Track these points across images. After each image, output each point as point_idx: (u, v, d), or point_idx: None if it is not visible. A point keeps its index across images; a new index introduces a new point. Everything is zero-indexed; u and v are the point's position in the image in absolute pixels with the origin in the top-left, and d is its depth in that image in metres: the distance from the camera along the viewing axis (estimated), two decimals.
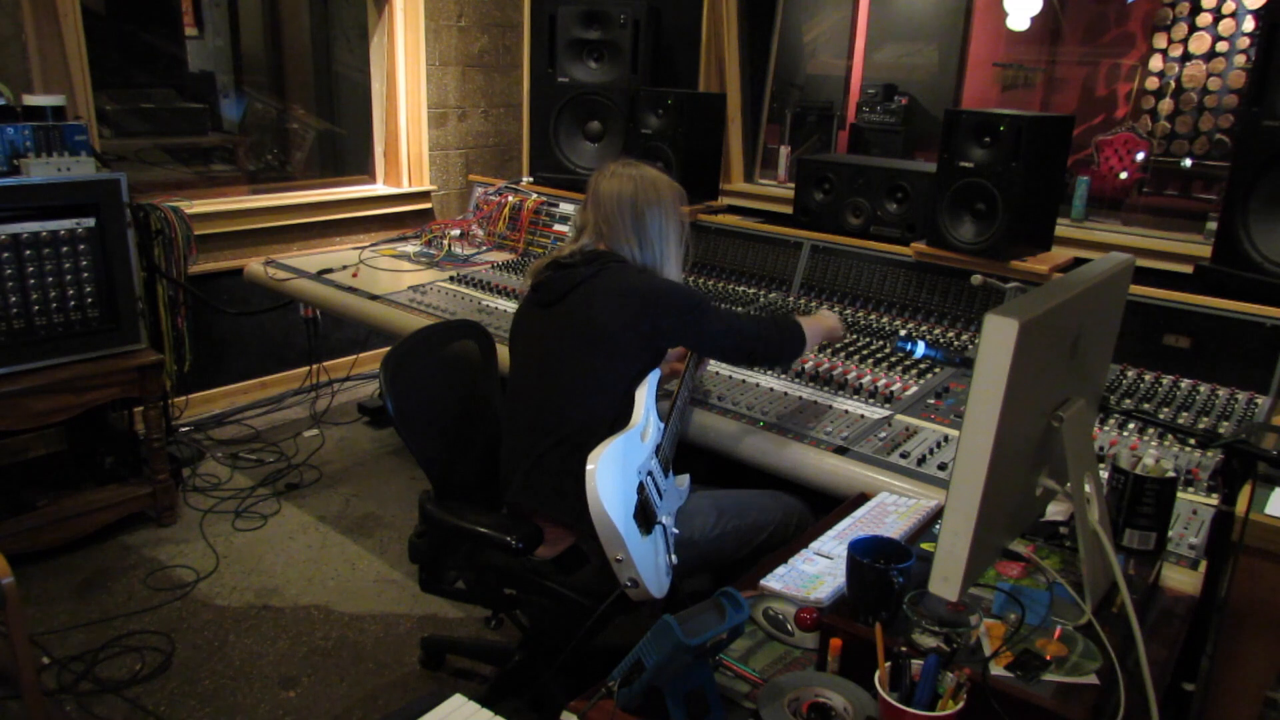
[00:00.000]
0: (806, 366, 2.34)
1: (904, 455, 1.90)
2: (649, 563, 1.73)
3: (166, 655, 2.45)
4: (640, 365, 1.89)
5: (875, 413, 2.11)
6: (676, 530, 1.85)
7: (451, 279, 3.18)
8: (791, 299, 2.93)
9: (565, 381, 1.92)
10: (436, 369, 2.08)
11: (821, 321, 2.26)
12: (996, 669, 1.16)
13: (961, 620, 1.19)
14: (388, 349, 1.98)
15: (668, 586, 1.77)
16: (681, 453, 2.03)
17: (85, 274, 2.78)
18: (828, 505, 1.78)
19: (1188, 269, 2.70)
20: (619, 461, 1.72)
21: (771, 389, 2.25)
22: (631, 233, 1.97)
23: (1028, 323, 1.01)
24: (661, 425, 1.92)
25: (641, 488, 1.75)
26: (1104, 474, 1.58)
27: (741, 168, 4.01)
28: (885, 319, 2.75)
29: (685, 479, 2.02)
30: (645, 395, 1.85)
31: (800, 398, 2.20)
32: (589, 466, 1.63)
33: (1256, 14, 3.43)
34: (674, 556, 1.81)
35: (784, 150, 4.08)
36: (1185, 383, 2.26)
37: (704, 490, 2.05)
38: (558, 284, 1.94)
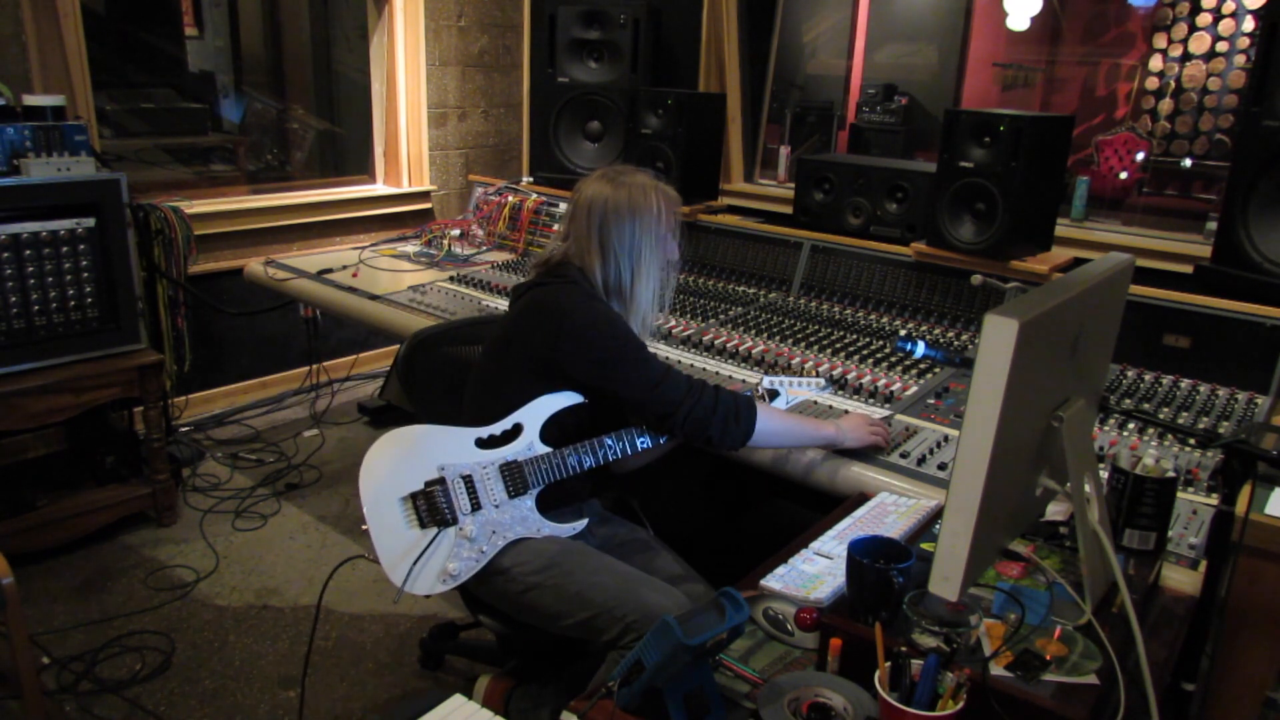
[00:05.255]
0: (806, 366, 2.34)
1: (904, 455, 1.90)
2: (396, 548, 1.75)
3: (166, 655, 2.45)
4: (534, 384, 1.82)
5: (875, 413, 2.11)
6: (486, 549, 1.79)
7: (451, 279, 3.18)
8: (791, 299, 2.93)
9: (474, 383, 1.96)
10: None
11: (850, 425, 1.92)
12: (996, 669, 1.16)
13: (961, 620, 1.19)
14: (388, 348, 2.01)
15: (428, 588, 1.75)
16: (681, 454, 2.02)
17: (85, 274, 2.78)
18: (828, 505, 1.78)
19: (1188, 269, 2.70)
20: (412, 445, 1.80)
21: None
22: (595, 245, 1.85)
23: (1028, 323, 1.00)
24: (540, 450, 1.81)
25: (440, 482, 1.77)
26: (1104, 474, 1.58)
27: (741, 168, 4.01)
28: (885, 319, 2.75)
29: (580, 524, 1.85)
30: (524, 413, 1.82)
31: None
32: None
33: (1256, 14, 3.43)
34: (456, 565, 1.77)
35: (784, 150, 4.08)
36: (1185, 383, 2.26)
37: (590, 549, 1.83)
38: (516, 291, 1.95)
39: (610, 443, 1.83)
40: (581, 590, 1.72)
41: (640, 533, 2.00)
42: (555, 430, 1.84)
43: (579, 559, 1.78)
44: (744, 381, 2.30)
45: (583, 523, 1.86)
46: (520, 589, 1.78)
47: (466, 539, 1.79)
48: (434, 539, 1.78)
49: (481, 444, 1.83)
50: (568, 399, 1.84)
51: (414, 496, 1.80)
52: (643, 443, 1.85)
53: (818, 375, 2.22)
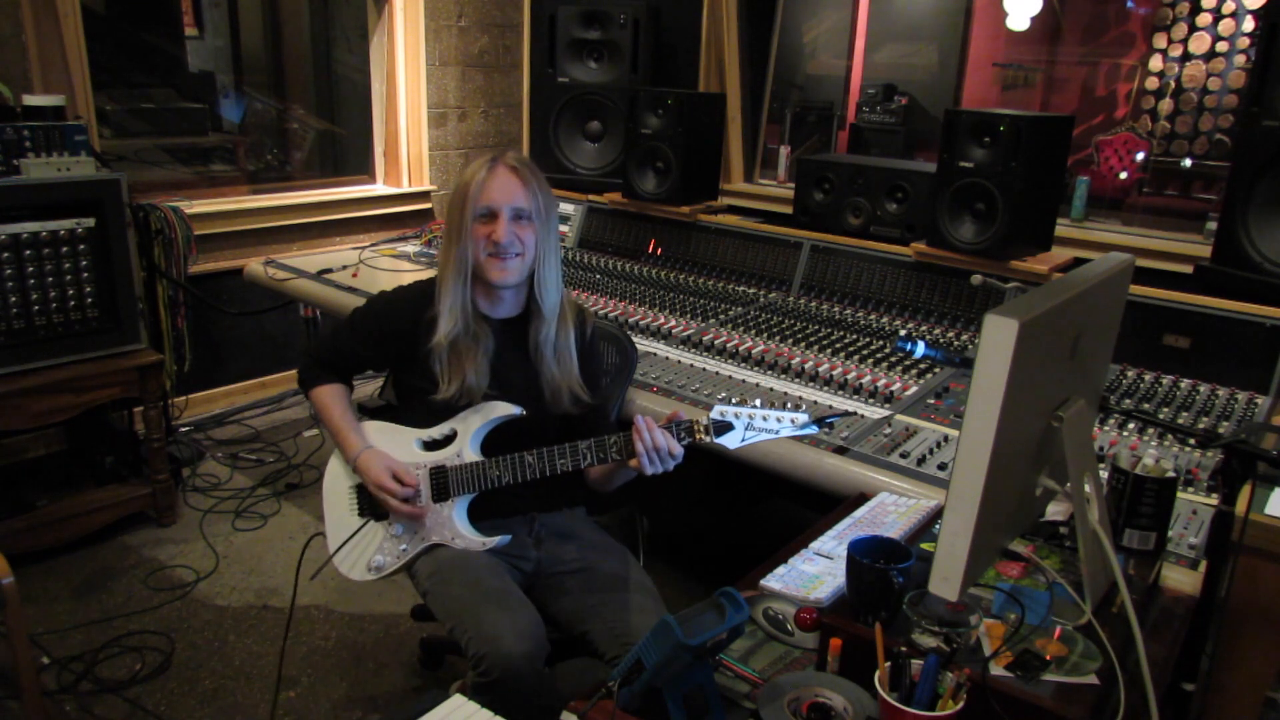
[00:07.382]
0: (806, 366, 2.34)
1: (904, 455, 1.90)
2: (338, 529, 1.94)
3: (166, 655, 2.45)
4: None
5: (875, 413, 2.11)
6: (408, 548, 1.88)
7: None
8: (791, 299, 2.93)
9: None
10: None
11: (365, 458, 1.87)
12: (996, 669, 1.16)
13: (961, 620, 1.19)
14: None
15: (356, 574, 1.90)
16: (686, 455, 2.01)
17: (85, 274, 2.78)
18: (828, 505, 1.78)
19: (1188, 269, 2.70)
20: (371, 439, 1.92)
21: (771, 388, 2.25)
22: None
23: (1028, 323, 1.00)
24: (468, 460, 1.83)
25: None
26: (1104, 474, 1.58)
27: (741, 168, 4.01)
28: (885, 319, 2.75)
29: (500, 540, 1.82)
30: (460, 420, 1.85)
31: (800, 398, 2.20)
32: None
33: (1256, 14, 3.43)
34: (380, 559, 1.89)
35: (784, 150, 4.08)
36: (1185, 383, 2.26)
37: (479, 561, 1.81)
38: None
39: (530, 460, 1.77)
40: (446, 603, 1.77)
41: (604, 558, 1.87)
42: (496, 441, 1.86)
43: (456, 571, 1.80)
44: (744, 381, 2.30)
45: (501, 539, 1.83)
46: (422, 592, 1.85)
47: (392, 535, 1.89)
48: (361, 528, 1.91)
49: (424, 445, 1.89)
50: (504, 409, 1.84)
51: (359, 487, 1.92)
52: (562, 464, 1.75)
53: (803, 409, 1.69)
